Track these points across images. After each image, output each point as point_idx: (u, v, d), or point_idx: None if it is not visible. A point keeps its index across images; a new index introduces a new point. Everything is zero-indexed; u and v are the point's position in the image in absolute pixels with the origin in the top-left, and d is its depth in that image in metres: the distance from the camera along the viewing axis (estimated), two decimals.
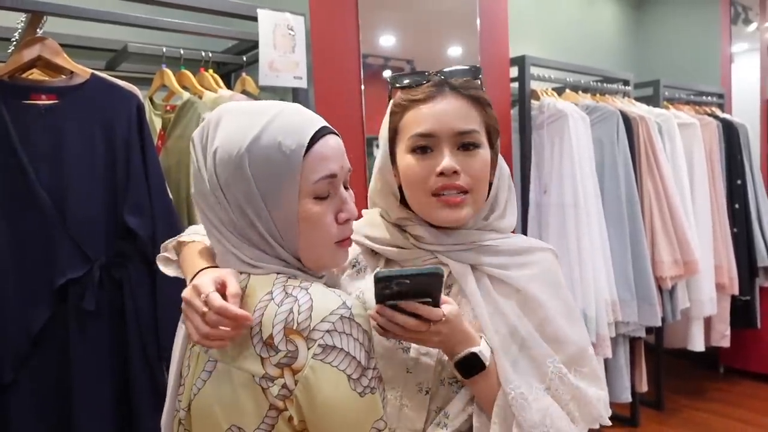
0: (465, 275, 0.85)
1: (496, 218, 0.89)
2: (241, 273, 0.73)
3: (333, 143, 0.74)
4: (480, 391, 0.80)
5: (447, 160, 0.81)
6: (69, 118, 1.21)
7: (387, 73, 2.38)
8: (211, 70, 1.69)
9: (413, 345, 0.84)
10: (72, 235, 1.18)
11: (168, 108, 1.61)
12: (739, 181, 3.17)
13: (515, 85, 2.43)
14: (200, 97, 1.58)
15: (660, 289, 2.55)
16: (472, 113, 0.84)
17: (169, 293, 1.24)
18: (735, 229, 3.11)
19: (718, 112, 3.38)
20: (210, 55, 1.70)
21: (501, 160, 0.90)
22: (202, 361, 0.73)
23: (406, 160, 0.85)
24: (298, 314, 0.66)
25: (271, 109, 0.73)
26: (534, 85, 2.45)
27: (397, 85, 0.87)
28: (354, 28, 1.78)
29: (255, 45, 1.56)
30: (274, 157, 0.69)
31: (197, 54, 1.68)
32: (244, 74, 1.73)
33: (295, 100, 1.60)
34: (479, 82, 0.87)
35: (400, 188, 0.88)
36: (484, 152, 0.84)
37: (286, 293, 0.69)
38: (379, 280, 0.70)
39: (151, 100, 1.63)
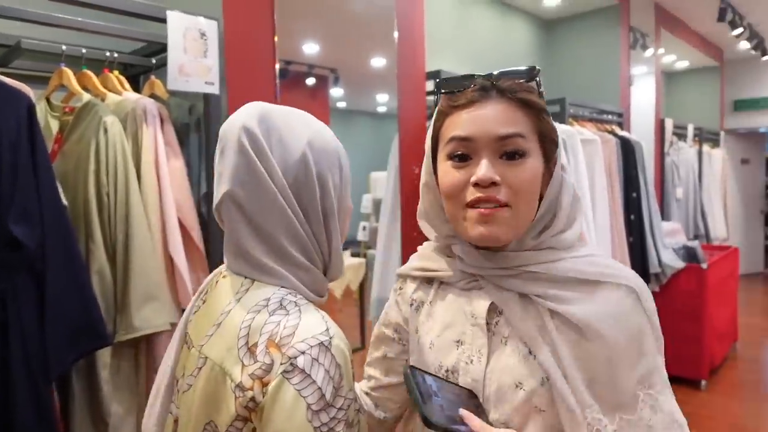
0: (508, 304, 0.74)
1: (552, 234, 0.76)
2: (245, 277, 0.75)
3: None
4: None
5: (484, 168, 0.71)
6: None
7: (310, 81, 2.38)
8: (116, 72, 1.61)
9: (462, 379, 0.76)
10: None
11: (66, 110, 1.51)
12: (634, 194, 3.42)
13: (433, 98, 2.50)
14: (103, 100, 1.50)
15: None
16: (518, 117, 0.73)
17: (59, 307, 1.17)
18: (631, 239, 3.36)
19: (618, 130, 3.63)
20: (115, 55, 1.62)
21: (563, 173, 0.78)
22: (193, 358, 0.75)
23: (443, 167, 0.77)
24: (284, 329, 0.67)
25: (329, 131, 0.81)
26: None
27: (442, 91, 0.78)
28: (270, 35, 1.77)
29: (165, 47, 1.51)
30: (348, 173, 0.80)
31: (101, 54, 1.59)
32: (153, 77, 1.66)
33: (206, 106, 1.56)
34: (535, 85, 0.76)
35: None
36: (533, 162, 0.73)
37: (281, 305, 0.70)
38: (408, 374, 0.68)
39: (48, 100, 1.53)
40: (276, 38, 1.77)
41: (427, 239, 0.90)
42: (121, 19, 1.51)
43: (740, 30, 4.94)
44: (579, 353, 0.69)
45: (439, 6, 3.15)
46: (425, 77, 2.40)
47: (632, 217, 3.40)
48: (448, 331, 0.80)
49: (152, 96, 1.60)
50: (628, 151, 3.44)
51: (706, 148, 5.63)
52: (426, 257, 0.88)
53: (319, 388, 0.64)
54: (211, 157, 1.56)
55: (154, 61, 1.68)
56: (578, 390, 0.67)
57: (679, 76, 6.36)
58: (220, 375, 0.69)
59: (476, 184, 0.71)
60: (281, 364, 0.64)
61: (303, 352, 0.64)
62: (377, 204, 2.66)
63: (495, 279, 0.76)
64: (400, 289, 0.92)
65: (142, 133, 1.45)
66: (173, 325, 1.44)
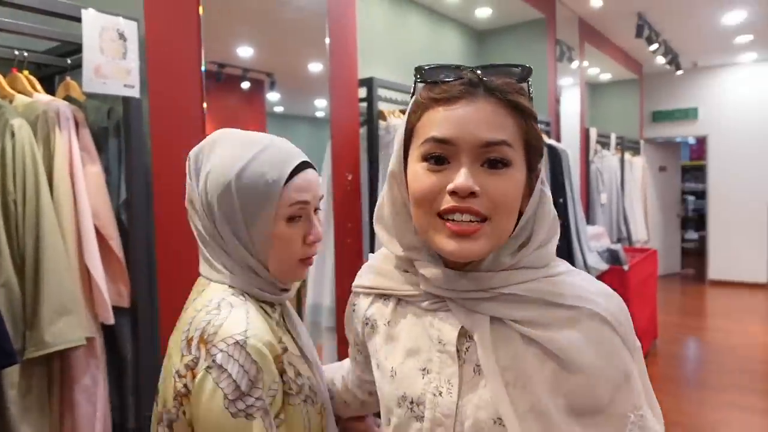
0: (479, 330, 0.67)
1: (530, 253, 0.69)
2: (205, 278, 0.88)
3: (310, 176, 0.88)
4: None
5: (463, 176, 0.63)
6: None
7: (246, 85, 2.33)
8: (26, 72, 1.51)
9: (429, 414, 0.70)
10: None
11: None
12: (561, 200, 3.57)
13: (366, 104, 2.51)
14: (10, 101, 1.41)
15: None
16: (506, 122, 0.65)
17: None
18: (558, 243, 3.49)
19: (546, 138, 3.79)
20: (26, 54, 1.53)
21: (544, 186, 0.71)
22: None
23: (415, 168, 0.67)
24: (212, 327, 0.78)
25: (261, 142, 0.87)
26: (382, 106, 2.55)
27: (424, 79, 0.69)
28: (195, 37, 1.72)
29: (80, 48, 1.44)
30: (258, 186, 0.83)
31: (8, 52, 1.50)
32: (68, 78, 1.57)
33: (126, 109, 1.49)
34: (526, 87, 0.68)
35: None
36: (516, 173, 0.66)
37: (218, 305, 0.81)
38: None
39: None
40: (202, 41, 1.73)
41: (367, 246, 0.89)
42: (34, 16, 1.43)
43: (656, 46, 5.28)
44: (558, 382, 0.64)
45: (372, 14, 3.18)
46: (358, 84, 2.41)
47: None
48: (412, 359, 0.72)
49: (67, 98, 1.52)
50: (555, 158, 3.59)
51: (627, 156, 5.97)
52: (381, 273, 0.80)
53: (234, 381, 0.74)
54: (131, 163, 1.50)
55: (69, 61, 1.60)
56: (556, 423, 0.62)
57: (603, 88, 6.71)
58: (168, 361, 0.83)
59: (453, 193, 0.63)
60: (205, 360, 0.76)
61: (221, 350, 0.75)
62: None
63: (465, 302, 0.68)
64: (354, 305, 0.85)
65: (54, 138, 1.37)
66: (90, 340, 1.37)
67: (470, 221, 0.64)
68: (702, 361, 4.55)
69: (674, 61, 6.10)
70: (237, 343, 0.75)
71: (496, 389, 0.64)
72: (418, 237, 0.71)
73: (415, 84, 0.70)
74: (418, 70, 0.69)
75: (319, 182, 0.90)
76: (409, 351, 0.73)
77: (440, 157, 0.65)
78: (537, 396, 0.63)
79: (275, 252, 0.86)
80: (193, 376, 0.76)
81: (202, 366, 0.75)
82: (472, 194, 0.63)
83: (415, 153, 0.68)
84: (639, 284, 4.15)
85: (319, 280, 2.36)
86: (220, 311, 0.80)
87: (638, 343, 0.70)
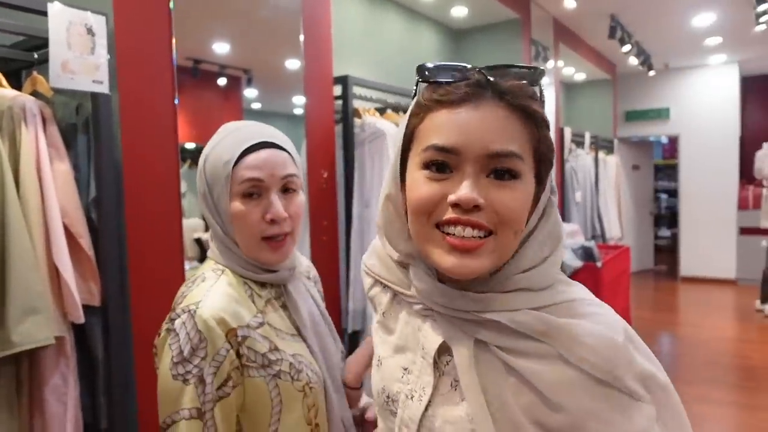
0: (460, 350, 0.62)
1: (517, 273, 0.62)
2: (207, 257, 0.98)
3: (264, 155, 0.91)
4: None
5: (467, 188, 0.57)
6: None
7: (222, 81, 2.32)
8: None
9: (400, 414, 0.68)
10: None
11: None
12: None
13: (342, 102, 2.51)
14: None
15: None
16: (516, 131, 0.59)
17: None
18: None
19: None
20: None
21: (553, 195, 0.65)
22: None
23: (415, 176, 0.62)
24: (180, 297, 0.88)
25: (232, 128, 0.94)
26: (357, 104, 2.55)
27: (426, 78, 0.63)
28: (166, 33, 1.70)
29: (47, 42, 1.41)
30: (217, 168, 0.91)
31: None
32: (35, 73, 1.54)
33: (95, 105, 1.47)
34: (537, 92, 0.62)
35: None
36: (524, 186, 0.60)
37: (195, 279, 0.91)
38: None
39: None
40: (174, 36, 1.71)
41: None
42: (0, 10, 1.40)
43: (629, 47, 5.38)
44: (535, 416, 0.57)
45: (347, 12, 3.18)
46: (332, 81, 2.41)
47: None
48: (399, 356, 0.71)
49: (34, 93, 1.49)
50: None
51: (601, 155, 6.07)
52: (382, 260, 0.75)
53: (179, 345, 0.82)
54: (100, 160, 1.48)
55: (36, 55, 1.56)
56: None
57: (577, 88, 6.81)
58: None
59: (456, 205, 0.58)
60: (165, 322, 0.85)
61: (179, 316, 0.84)
62: None
63: (452, 319, 0.64)
64: (363, 278, 0.83)
65: (20, 134, 1.34)
66: (59, 339, 1.35)
67: (472, 237, 0.58)
68: (674, 356, 4.65)
69: (646, 62, 6.22)
70: (189, 312, 0.83)
71: (477, 409, 0.59)
72: (414, 247, 0.66)
73: (417, 84, 0.65)
74: (421, 69, 0.63)
75: (281, 161, 0.93)
76: (397, 347, 0.72)
77: (442, 164, 0.60)
78: (517, 419, 0.57)
79: (238, 230, 0.92)
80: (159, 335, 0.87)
81: (163, 327, 0.86)
82: (476, 207, 0.57)
83: (415, 159, 0.63)
84: (612, 280, 4.23)
85: None
86: (193, 284, 0.90)
87: (661, 379, 0.60)
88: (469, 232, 0.58)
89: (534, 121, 0.60)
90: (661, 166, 9.63)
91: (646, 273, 8.17)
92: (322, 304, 1.09)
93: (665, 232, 9.79)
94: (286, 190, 0.94)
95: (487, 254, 0.59)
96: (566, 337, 0.58)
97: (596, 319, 0.61)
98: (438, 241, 0.60)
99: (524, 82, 0.61)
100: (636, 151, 8.21)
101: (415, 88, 0.65)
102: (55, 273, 1.37)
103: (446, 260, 0.59)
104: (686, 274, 7.56)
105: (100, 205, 1.49)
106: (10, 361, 1.31)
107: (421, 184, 0.61)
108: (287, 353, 0.91)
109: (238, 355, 0.86)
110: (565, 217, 4.89)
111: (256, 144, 0.91)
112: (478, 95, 0.59)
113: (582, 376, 0.56)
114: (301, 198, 0.97)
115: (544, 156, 0.62)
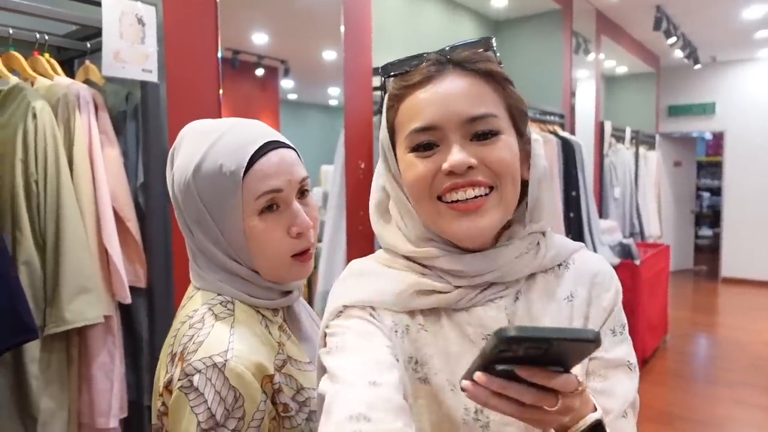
0: (530, 292, 0.70)
1: (538, 221, 0.70)
2: (193, 286, 0.81)
3: (275, 159, 0.75)
4: None
5: (456, 153, 0.61)
6: None
7: (260, 72, 2.35)
8: (47, 54, 1.54)
9: (495, 417, 0.64)
10: None
11: None
12: (574, 193, 3.56)
13: (379, 93, 2.52)
14: (32, 84, 1.44)
15: None
16: (485, 93, 0.64)
17: None
18: (570, 235, 3.49)
19: (559, 131, 3.77)
20: (46, 37, 1.55)
21: (538, 150, 0.70)
22: None
23: (406, 161, 0.65)
24: (191, 344, 0.70)
25: (218, 129, 0.75)
26: None
27: (391, 73, 0.67)
28: (212, 23, 1.74)
29: (100, 32, 1.46)
30: (217, 181, 0.73)
31: (30, 35, 1.52)
32: (87, 62, 1.60)
33: (144, 93, 1.52)
34: (493, 55, 0.67)
35: None
36: (508, 138, 0.65)
37: (203, 318, 0.73)
38: (506, 340, 0.44)
39: None
40: (219, 26, 1.75)
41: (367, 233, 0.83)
42: (54, 0, 1.45)
43: (674, 39, 5.21)
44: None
45: (386, 2, 3.18)
46: (372, 72, 2.41)
47: (572, 214, 3.53)
48: (460, 367, 0.65)
49: (87, 82, 1.55)
50: (568, 151, 3.57)
51: (642, 150, 5.91)
52: (394, 288, 0.67)
53: (209, 408, 0.66)
54: (148, 147, 1.53)
55: (89, 45, 1.62)
56: None
57: (619, 81, 6.64)
58: (158, 372, 0.77)
59: (451, 173, 0.61)
60: (179, 379, 0.68)
61: (199, 371, 0.67)
62: (327, 197, 2.67)
63: (499, 291, 0.67)
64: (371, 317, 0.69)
65: (74, 120, 1.40)
66: (107, 318, 1.41)
67: (474, 197, 0.62)
68: (712, 358, 4.52)
69: (692, 55, 6.01)
70: (215, 365, 0.67)
71: None
72: (430, 231, 0.67)
73: (384, 82, 0.70)
74: (384, 67, 0.68)
75: (294, 162, 0.78)
76: (456, 357, 0.66)
77: (428, 143, 0.63)
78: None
79: (257, 252, 0.76)
80: (170, 394, 0.70)
81: (176, 385, 0.68)
82: (470, 168, 0.61)
83: (401, 148, 0.67)
84: (650, 279, 4.13)
85: (331, 267, 2.38)
86: (203, 325, 0.72)
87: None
88: (470, 192, 0.62)
89: (497, 80, 0.65)
90: (703, 163, 9.32)
91: (685, 273, 7.95)
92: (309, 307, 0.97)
93: (706, 232, 9.49)
94: (302, 193, 0.80)
95: (493, 209, 0.63)
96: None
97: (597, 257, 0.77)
98: (445, 212, 0.63)
99: (480, 49, 0.66)
100: (678, 147, 7.96)
101: (383, 88, 0.71)
102: (104, 255, 1.43)
103: (456, 226, 0.63)
104: (728, 275, 7.33)
105: (147, 190, 1.53)
106: (61, 338, 1.37)
107: (413, 165, 0.64)
108: (311, 390, 0.78)
109: (273, 403, 0.73)
110: (602, 212, 4.80)
111: (261, 147, 0.75)
112: (440, 71, 0.64)
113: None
114: (314, 197, 0.84)
115: (516, 109, 0.67)
